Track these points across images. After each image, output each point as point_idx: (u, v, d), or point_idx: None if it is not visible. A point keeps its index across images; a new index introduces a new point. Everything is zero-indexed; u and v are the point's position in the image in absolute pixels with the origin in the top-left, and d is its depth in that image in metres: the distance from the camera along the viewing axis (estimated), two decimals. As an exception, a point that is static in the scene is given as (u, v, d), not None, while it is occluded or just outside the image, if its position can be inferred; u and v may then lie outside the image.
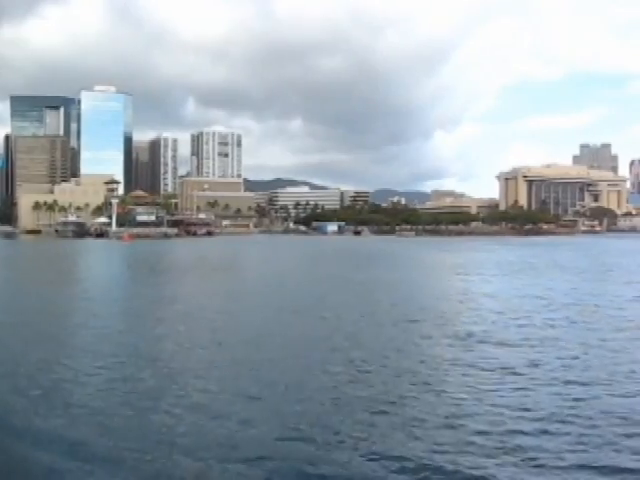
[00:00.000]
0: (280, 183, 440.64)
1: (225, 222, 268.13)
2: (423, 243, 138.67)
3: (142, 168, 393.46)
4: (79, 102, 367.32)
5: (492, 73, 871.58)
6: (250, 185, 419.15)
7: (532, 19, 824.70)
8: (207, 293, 38.11)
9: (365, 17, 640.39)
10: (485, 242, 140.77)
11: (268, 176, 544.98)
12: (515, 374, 15.99)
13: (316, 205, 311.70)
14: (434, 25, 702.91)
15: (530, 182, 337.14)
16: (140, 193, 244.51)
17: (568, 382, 15.19)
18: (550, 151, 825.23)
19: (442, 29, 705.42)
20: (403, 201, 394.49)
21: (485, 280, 46.46)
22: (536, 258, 76.33)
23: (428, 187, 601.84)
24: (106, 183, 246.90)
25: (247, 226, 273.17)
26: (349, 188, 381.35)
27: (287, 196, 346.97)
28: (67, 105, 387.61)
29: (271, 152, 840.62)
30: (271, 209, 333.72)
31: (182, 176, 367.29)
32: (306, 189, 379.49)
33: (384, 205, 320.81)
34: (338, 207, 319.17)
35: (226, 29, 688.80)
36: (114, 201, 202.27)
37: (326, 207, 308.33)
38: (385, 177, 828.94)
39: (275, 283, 45.59)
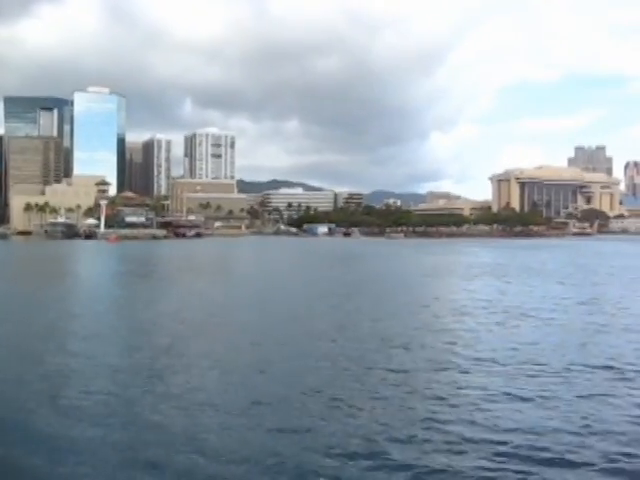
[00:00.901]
0: (276, 184, 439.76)
1: (217, 224, 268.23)
2: (408, 245, 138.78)
3: (136, 169, 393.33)
4: (72, 103, 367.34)
5: (489, 74, 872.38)
6: (246, 186, 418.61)
7: (529, 20, 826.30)
8: (166, 294, 38.14)
9: (361, 17, 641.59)
10: (470, 244, 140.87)
11: (264, 177, 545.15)
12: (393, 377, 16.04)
13: (308, 207, 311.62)
14: (431, 26, 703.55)
15: (523, 184, 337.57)
16: (129, 194, 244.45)
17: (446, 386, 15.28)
18: (547, 153, 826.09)
19: (439, 30, 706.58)
20: (399, 203, 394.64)
21: (445, 283, 46.62)
22: (510, 260, 76.53)
23: (425, 189, 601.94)
24: (97, 184, 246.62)
25: (239, 228, 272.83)
26: (345, 190, 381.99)
27: (280, 198, 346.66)
28: (61, 106, 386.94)
29: (267, 153, 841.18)
30: (264, 211, 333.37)
31: (175, 177, 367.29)
32: (300, 190, 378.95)
33: (378, 207, 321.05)
34: (331, 209, 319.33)
35: (221, 29, 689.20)
36: (102, 202, 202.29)
37: (319, 209, 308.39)
38: (382, 178, 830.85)
39: (234, 284, 45.74)
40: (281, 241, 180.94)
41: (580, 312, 29.52)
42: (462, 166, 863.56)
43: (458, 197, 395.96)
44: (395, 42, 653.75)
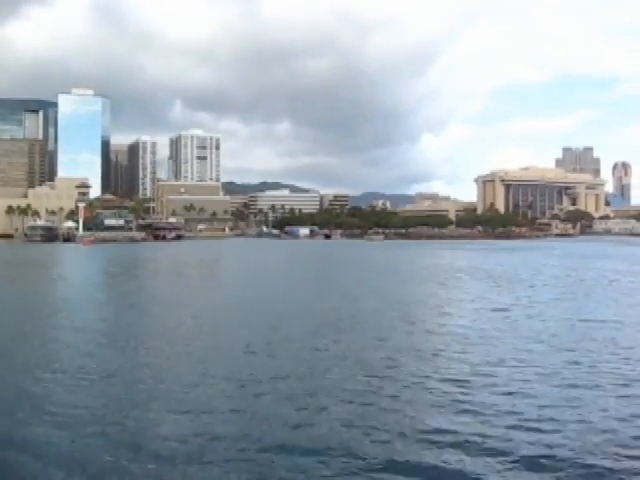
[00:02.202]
0: (266, 187, 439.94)
1: (200, 226, 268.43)
2: (382, 247, 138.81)
3: (122, 171, 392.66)
4: (57, 105, 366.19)
5: (480, 75, 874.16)
6: (236, 188, 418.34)
7: (520, 22, 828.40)
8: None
9: (352, 19, 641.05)
10: (443, 246, 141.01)
11: (255, 179, 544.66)
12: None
13: (292, 209, 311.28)
14: (422, 27, 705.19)
15: (508, 185, 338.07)
16: (109, 197, 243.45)
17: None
18: (539, 154, 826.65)
19: (430, 31, 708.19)
20: (388, 204, 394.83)
21: (376, 284, 46.47)
22: (468, 262, 76.53)
23: (416, 190, 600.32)
24: (77, 187, 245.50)
25: (223, 230, 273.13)
26: (336, 191, 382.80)
27: (266, 200, 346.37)
28: (46, 108, 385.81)
29: (258, 155, 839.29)
30: (250, 213, 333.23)
31: (160, 179, 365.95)
32: (286, 192, 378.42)
33: (364, 208, 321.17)
34: (317, 211, 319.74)
35: (211, 31, 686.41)
36: (81, 205, 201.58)
37: (305, 210, 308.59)
38: (373, 180, 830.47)
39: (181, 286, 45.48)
40: (260, 243, 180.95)
41: (485, 318, 29.20)
42: (453, 167, 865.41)
43: (447, 198, 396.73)
44: (386, 43, 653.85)
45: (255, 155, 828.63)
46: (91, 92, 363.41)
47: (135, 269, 71.38)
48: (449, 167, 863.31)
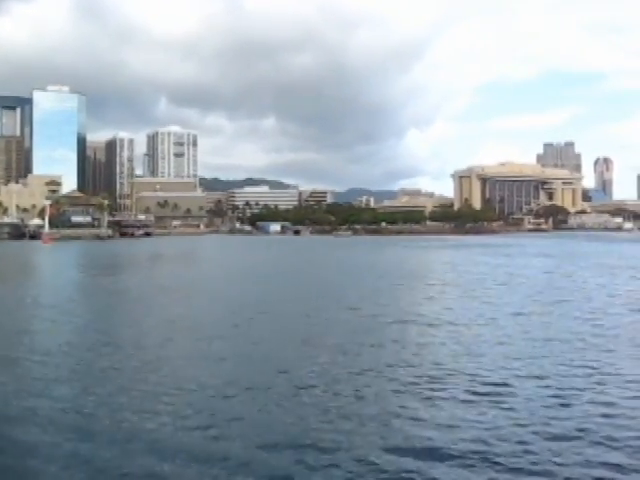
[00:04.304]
0: (252, 182, 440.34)
1: (175, 223, 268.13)
2: (343, 243, 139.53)
3: (100, 168, 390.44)
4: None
5: (466, 72, 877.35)
6: (221, 185, 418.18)
7: (506, 18, 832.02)
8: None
9: (337, 14, 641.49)
10: (401, 243, 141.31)
11: (241, 175, 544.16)
12: None
13: (266, 205, 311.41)
14: (407, 23, 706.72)
15: (484, 180, 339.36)
16: (76, 194, 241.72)
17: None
18: (525, 150, 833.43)
19: (415, 27, 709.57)
20: (372, 200, 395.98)
21: (271, 279, 46.69)
22: (400, 259, 76.99)
23: (401, 186, 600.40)
24: (47, 184, 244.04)
25: (197, 226, 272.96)
26: (324, 187, 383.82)
27: (245, 196, 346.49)
28: (24, 105, 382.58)
29: (244, 151, 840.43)
30: (228, 209, 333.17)
31: (138, 176, 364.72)
32: (265, 189, 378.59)
33: (342, 204, 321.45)
34: (294, 207, 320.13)
35: (196, 26, 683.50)
36: (46, 202, 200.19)
37: (283, 207, 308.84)
38: (359, 176, 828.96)
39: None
40: (227, 239, 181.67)
41: (344, 314, 29.34)
42: (439, 163, 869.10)
43: (431, 194, 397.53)
44: (371, 39, 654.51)
45: (241, 151, 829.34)
46: (67, 89, 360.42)
47: (76, 265, 70.99)
48: (435, 163, 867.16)
